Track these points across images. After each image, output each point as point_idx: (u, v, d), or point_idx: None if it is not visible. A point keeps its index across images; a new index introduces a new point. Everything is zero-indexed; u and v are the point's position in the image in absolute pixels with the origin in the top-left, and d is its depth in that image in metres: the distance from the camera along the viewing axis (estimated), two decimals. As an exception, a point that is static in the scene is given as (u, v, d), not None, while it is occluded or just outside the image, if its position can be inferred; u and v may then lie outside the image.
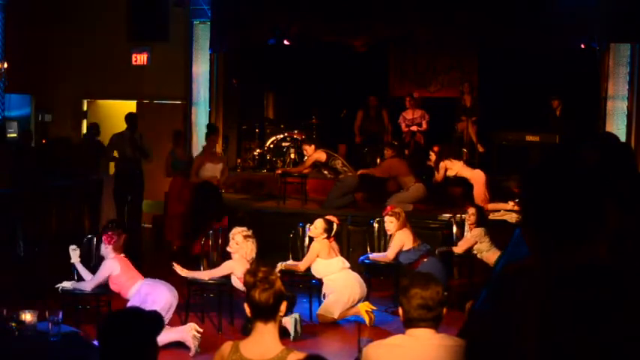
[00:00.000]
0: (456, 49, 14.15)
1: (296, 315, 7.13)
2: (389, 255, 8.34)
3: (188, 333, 6.57)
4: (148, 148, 11.14)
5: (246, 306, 3.37)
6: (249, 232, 7.51)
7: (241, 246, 7.38)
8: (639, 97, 11.69)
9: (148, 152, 11.11)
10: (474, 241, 8.67)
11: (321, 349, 6.81)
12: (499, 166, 12.26)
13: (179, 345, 6.70)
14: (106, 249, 6.84)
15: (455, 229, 9.34)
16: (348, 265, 8.08)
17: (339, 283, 7.85)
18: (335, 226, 8.12)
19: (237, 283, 7.35)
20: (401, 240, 8.30)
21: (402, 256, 8.29)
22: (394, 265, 8.34)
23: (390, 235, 8.47)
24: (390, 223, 8.38)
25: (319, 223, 8.02)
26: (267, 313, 3.32)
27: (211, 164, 10.73)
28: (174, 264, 7.50)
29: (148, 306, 6.39)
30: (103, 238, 6.88)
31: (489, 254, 8.49)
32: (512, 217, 9.94)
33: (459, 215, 9.52)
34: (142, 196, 11.16)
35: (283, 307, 3.36)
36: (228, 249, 7.50)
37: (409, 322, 3.40)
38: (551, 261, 2.89)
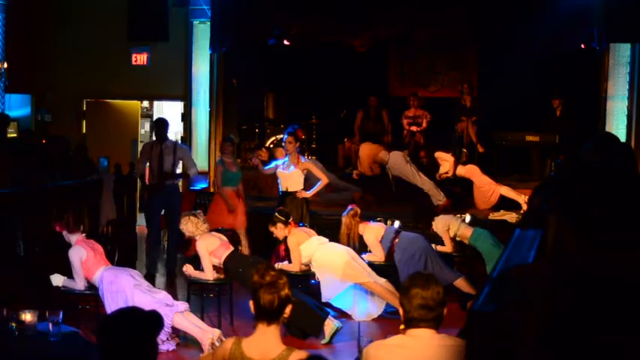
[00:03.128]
0: (455, 49, 14.16)
1: (340, 325, 7.07)
2: (378, 255, 8.30)
3: (208, 339, 6.52)
4: (190, 159, 9.82)
5: (251, 303, 3.39)
6: (188, 214, 7.56)
7: (195, 228, 7.41)
8: (639, 97, 11.69)
9: (188, 163, 9.74)
10: (444, 232, 8.76)
11: (321, 348, 6.81)
12: (499, 166, 12.27)
13: (181, 345, 6.71)
14: (66, 236, 6.89)
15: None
16: (325, 240, 8.01)
17: (321, 261, 7.75)
18: (287, 213, 8.11)
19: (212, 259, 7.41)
20: (372, 236, 8.32)
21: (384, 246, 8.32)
22: (393, 264, 8.31)
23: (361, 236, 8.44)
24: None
25: (275, 223, 7.95)
26: (270, 315, 3.33)
27: (283, 172, 9.22)
28: (187, 265, 7.52)
29: (116, 295, 6.55)
30: (57, 229, 6.96)
31: (462, 230, 8.69)
32: (512, 217, 9.96)
33: (458, 215, 9.53)
34: (178, 214, 9.44)
35: (288, 309, 3.37)
36: (193, 235, 7.48)
37: (410, 322, 3.41)
38: (554, 262, 2.89)
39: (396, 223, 8.88)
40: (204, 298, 7.50)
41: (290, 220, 7.99)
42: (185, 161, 9.89)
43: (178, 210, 9.35)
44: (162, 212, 9.76)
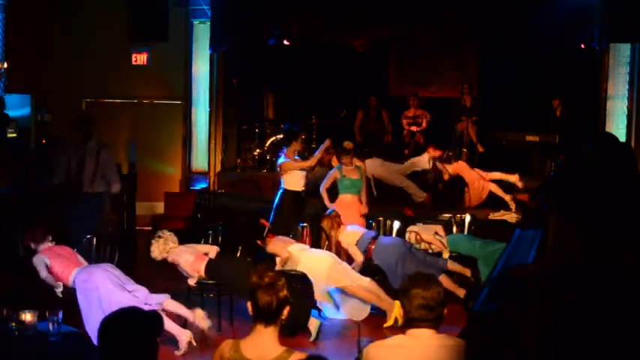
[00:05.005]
0: (456, 49, 14.16)
1: (319, 321, 7.09)
2: (358, 258, 8.24)
3: (185, 337, 6.55)
4: (111, 171, 8.47)
5: (249, 304, 3.39)
6: (154, 237, 7.51)
7: (164, 247, 7.39)
8: (639, 97, 11.69)
9: (109, 176, 8.42)
10: (421, 241, 8.77)
11: (321, 349, 6.81)
12: (499, 166, 12.26)
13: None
14: (35, 248, 7.00)
15: (455, 229, 9.34)
16: (306, 247, 8.06)
17: (308, 267, 7.71)
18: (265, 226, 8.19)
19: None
20: (349, 239, 8.28)
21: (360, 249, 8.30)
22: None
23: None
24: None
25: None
26: (268, 316, 3.33)
27: (302, 173, 9.17)
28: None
29: (90, 293, 6.55)
30: (26, 244, 7.11)
31: (436, 241, 8.71)
32: (512, 217, 9.96)
33: (458, 215, 9.54)
34: (97, 225, 8.41)
35: (285, 311, 3.37)
36: (167, 256, 7.44)
37: (410, 323, 3.41)
38: (554, 262, 2.89)
39: (396, 224, 8.87)
40: (204, 298, 7.50)
41: (265, 234, 8.06)
42: (106, 170, 8.50)
43: (99, 223, 8.42)
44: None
